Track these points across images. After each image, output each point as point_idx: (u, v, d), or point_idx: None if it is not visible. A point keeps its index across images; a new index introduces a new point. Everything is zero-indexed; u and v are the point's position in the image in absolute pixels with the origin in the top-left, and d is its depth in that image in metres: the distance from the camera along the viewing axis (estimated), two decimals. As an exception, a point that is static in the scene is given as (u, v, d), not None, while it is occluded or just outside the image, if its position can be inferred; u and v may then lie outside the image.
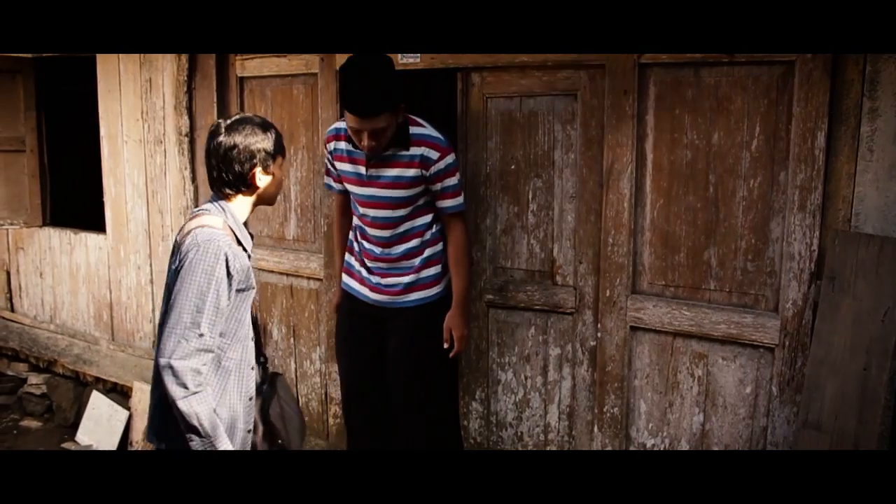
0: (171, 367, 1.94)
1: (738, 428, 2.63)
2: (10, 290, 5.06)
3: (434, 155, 2.67)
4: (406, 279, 2.81)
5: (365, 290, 2.89)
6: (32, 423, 4.72)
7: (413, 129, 2.69)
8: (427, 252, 2.81)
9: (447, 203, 2.76)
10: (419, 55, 3.06)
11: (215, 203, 2.16)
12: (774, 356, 2.53)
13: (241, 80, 3.72)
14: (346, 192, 2.94)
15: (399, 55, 3.11)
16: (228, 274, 2.03)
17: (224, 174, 2.10)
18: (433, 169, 2.68)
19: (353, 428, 3.02)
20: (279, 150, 2.17)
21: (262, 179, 2.15)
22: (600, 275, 2.82)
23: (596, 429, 2.91)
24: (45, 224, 4.76)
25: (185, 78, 3.83)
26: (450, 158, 2.70)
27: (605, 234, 2.78)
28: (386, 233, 2.79)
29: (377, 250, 2.83)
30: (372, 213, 2.79)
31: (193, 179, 3.91)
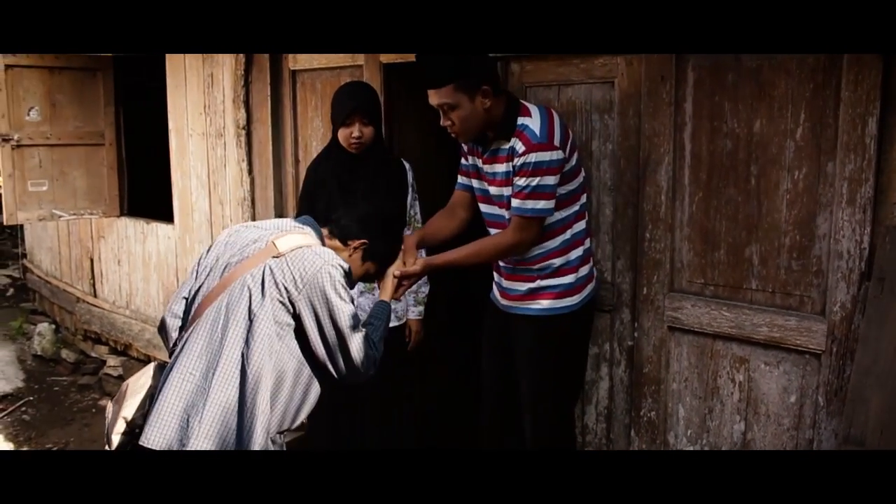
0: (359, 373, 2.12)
1: (782, 439, 2.44)
2: (93, 277, 5.37)
3: (520, 148, 2.37)
4: (528, 285, 2.54)
5: (497, 294, 2.71)
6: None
7: (519, 120, 2.41)
8: (557, 260, 2.51)
9: (514, 202, 2.41)
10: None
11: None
12: (821, 363, 2.33)
13: (294, 73, 3.78)
14: (466, 189, 2.72)
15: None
16: None
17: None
18: (516, 163, 2.38)
19: (486, 433, 2.85)
20: None
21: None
22: (638, 271, 2.68)
23: (633, 433, 2.77)
24: (121, 214, 5.01)
25: (243, 72, 3.92)
26: (535, 156, 2.34)
27: (642, 228, 2.64)
28: (499, 231, 2.56)
29: None
30: (485, 208, 2.62)
31: (250, 171, 4.00)
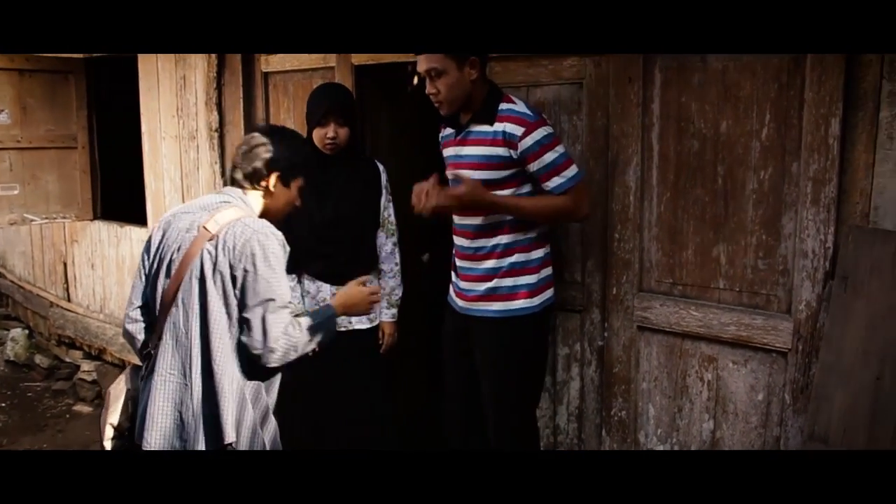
0: (273, 351, 2.02)
1: (751, 437, 2.46)
2: (67, 281, 5.30)
3: (518, 131, 2.34)
4: (486, 285, 2.50)
5: (454, 296, 2.66)
6: (84, 409, 4.92)
7: (502, 106, 2.41)
8: (517, 257, 2.46)
9: (552, 183, 2.37)
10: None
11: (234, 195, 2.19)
12: (787, 361, 2.34)
13: (266, 75, 3.75)
14: None
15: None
16: None
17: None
18: (521, 147, 2.34)
19: (450, 435, 2.83)
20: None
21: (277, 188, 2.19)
22: (607, 271, 2.69)
23: (604, 432, 2.78)
24: (95, 218, 4.95)
25: (215, 74, 3.89)
26: (540, 132, 2.34)
27: (610, 228, 2.65)
28: (471, 220, 2.50)
29: (464, 243, 2.55)
30: None
31: (223, 174, 3.97)
